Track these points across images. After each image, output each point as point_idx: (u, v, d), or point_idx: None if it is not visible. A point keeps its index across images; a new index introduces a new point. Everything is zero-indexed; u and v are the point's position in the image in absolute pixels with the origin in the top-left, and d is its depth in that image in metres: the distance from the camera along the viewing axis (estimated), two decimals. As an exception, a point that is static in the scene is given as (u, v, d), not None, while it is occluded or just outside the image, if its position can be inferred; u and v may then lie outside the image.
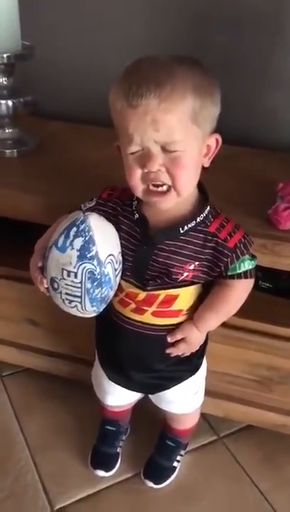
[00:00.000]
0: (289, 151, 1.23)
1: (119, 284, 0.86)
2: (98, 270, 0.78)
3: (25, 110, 1.17)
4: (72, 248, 0.77)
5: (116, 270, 0.82)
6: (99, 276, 0.79)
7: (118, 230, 0.83)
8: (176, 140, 0.70)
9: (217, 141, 0.76)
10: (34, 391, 1.33)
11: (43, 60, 1.21)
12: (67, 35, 1.32)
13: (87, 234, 0.77)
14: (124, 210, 0.83)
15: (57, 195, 1.03)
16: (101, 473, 1.13)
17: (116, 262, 0.81)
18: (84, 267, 0.78)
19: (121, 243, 0.83)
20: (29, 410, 1.29)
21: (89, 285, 0.79)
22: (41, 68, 1.27)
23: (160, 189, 0.74)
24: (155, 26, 1.24)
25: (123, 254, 0.83)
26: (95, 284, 0.79)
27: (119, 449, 1.17)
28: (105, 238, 0.79)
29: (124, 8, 1.24)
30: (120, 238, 0.83)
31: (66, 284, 0.80)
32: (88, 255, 0.77)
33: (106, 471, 1.13)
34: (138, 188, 0.75)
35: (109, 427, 1.16)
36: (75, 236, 0.77)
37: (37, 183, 1.07)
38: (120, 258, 0.82)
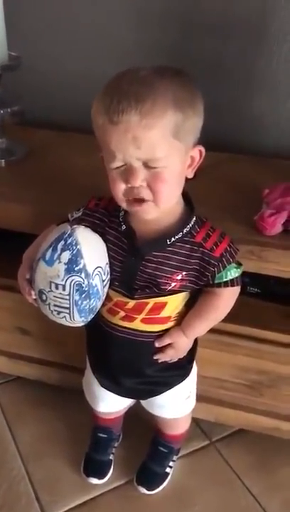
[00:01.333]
0: (275, 156, 1.24)
1: (107, 294, 0.86)
2: (86, 282, 0.79)
3: (13, 120, 1.18)
4: (60, 262, 0.78)
5: (104, 281, 0.82)
6: (87, 289, 0.79)
7: (105, 241, 0.83)
8: (158, 157, 0.70)
9: (200, 152, 0.76)
10: (26, 399, 1.32)
11: (30, 70, 1.22)
12: (54, 45, 1.33)
13: (74, 247, 0.78)
14: (111, 221, 0.84)
15: (46, 204, 1.04)
16: (94, 480, 1.13)
17: (104, 273, 0.82)
18: (72, 280, 0.78)
19: (109, 254, 0.83)
20: (21, 419, 1.28)
21: (77, 297, 0.80)
22: (28, 77, 1.27)
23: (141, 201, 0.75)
24: (142, 34, 1.25)
25: (111, 264, 0.83)
26: (83, 296, 0.80)
27: (111, 456, 1.17)
28: (93, 250, 0.80)
29: (110, 17, 1.25)
30: (108, 249, 0.83)
31: (54, 296, 0.80)
32: (76, 268, 0.78)
33: (99, 478, 1.13)
34: (123, 201, 0.76)
35: (101, 435, 1.16)
36: (63, 249, 0.78)
37: (25, 192, 1.07)
38: (108, 269, 0.83)
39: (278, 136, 1.27)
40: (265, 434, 1.16)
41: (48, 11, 1.29)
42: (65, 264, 0.78)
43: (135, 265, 0.81)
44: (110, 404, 1.06)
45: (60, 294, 0.80)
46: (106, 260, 0.83)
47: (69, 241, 0.78)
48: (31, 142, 1.26)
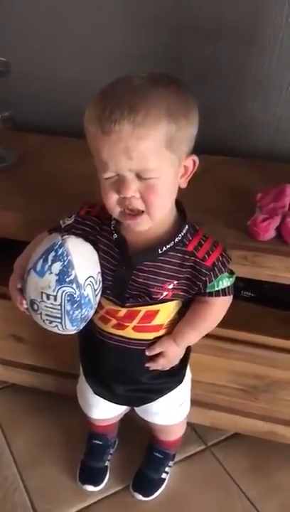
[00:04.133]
0: (267, 159, 1.24)
1: (99, 302, 0.86)
2: (77, 293, 0.78)
3: (3, 126, 1.17)
4: (51, 273, 0.77)
5: (95, 290, 0.82)
6: (78, 299, 0.79)
7: (97, 249, 0.83)
8: (150, 168, 0.69)
9: (194, 162, 0.76)
10: (20, 406, 1.32)
11: (20, 75, 1.21)
12: (44, 50, 1.32)
13: (65, 258, 0.77)
14: (103, 229, 0.83)
15: (38, 210, 1.03)
16: (89, 488, 1.12)
17: (96, 283, 0.81)
18: (64, 291, 0.78)
19: (101, 263, 0.83)
20: (15, 426, 1.28)
21: (68, 307, 0.79)
22: (19, 82, 1.26)
23: (135, 213, 0.74)
24: (132, 39, 1.24)
25: (102, 273, 0.83)
26: (75, 306, 0.79)
27: (107, 463, 1.17)
28: (84, 261, 0.79)
29: (100, 22, 1.24)
30: (99, 258, 0.82)
31: (46, 306, 0.80)
32: (67, 279, 0.77)
33: (95, 485, 1.13)
34: (115, 210, 0.75)
35: (96, 441, 1.16)
36: (54, 261, 0.77)
37: (17, 199, 1.06)
38: (100, 278, 0.82)
39: (271, 138, 1.27)
40: (261, 438, 1.16)
41: (39, 16, 1.28)
42: (56, 275, 0.77)
43: (126, 274, 0.81)
44: (104, 411, 1.05)
45: (52, 304, 0.79)
46: (98, 269, 0.82)
47: (60, 252, 0.77)
48: (22, 147, 1.25)
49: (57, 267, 0.77)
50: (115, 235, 0.82)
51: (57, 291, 0.78)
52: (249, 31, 1.17)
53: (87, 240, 0.83)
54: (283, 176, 1.06)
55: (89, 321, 0.87)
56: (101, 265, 0.83)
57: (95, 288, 0.81)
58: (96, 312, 0.87)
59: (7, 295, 1.09)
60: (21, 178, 1.15)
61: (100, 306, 0.87)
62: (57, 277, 0.77)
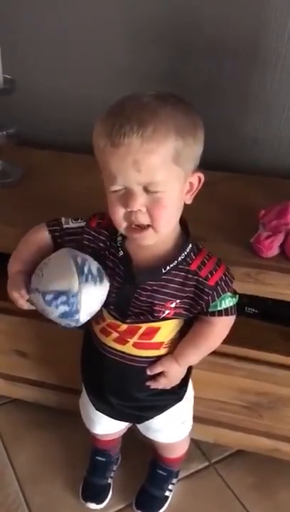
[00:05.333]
0: (270, 175, 1.24)
1: (101, 314, 0.86)
2: (74, 324, 0.80)
3: (8, 142, 1.18)
4: (57, 309, 0.77)
5: (92, 315, 0.83)
6: (75, 325, 0.80)
7: (105, 265, 0.82)
8: (158, 181, 0.70)
9: (199, 179, 0.76)
10: (23, 422, 1.31)
11: (25, 91, 1.22)
12: (49, 67, 1.33)
13: (73, 307, 0.77)
14: (111, 246, 0.83)
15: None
16: (92, 505, 1.12)
17: (97, 312, 0.82)
18: (64, 321, 0.79)
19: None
20: (18, 442, 1.27)
21: (68, 327, 0.81)
22: (24, 99, 1.28)
23: (141, 227, 0.74)
24: (136, 54, 1.25)
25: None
26: (70, 327, 0.81)
27: (110, 480, 1.16)
28: (93, 305, 0.79)
29: (104, 37, 1.25)
30: (106, 274, 0.82)
31: (46, 314, 0.81)
32: (69, 317, 0.78)
33: (98, 503, 1.12)
34: (122, 225, 0.75)
35: (99, 458, 1.15)
36: (62, 303, 0.77)
37: (21, 215, 1.06)
38: (102, 305, 0.82)
39: (273, 155, 1.27)
40: (265, 455, 1.15)
41: (43, 33, 1.30)
42: (61, 313, 0.78)
43: (130, 292, 0.81)
44: (106, 426, 1.05)
45: (54, 318, 0.80)
46: (105, 299, 0.82)
47: (71, 300, 0.76)
48: (27, 163, 1.26)
49: (63, 308, 0.77)
50: (121, 252, 0.82)
51: (58, 319, 0.79)
52: (252, 49, 1.18)
53: (93, 254, 0.82)
54: (286, 193, 1.06)
55: (92, 335, 0.89)
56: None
57: (95, 314, 0.82)
58: (98, 323, 0.88)
59: (10, 310, 1.10)
60: (26, 194, 1.15)
61: (102, 318, 0.87)
62: (60, 314, 0.78)
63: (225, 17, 1.15)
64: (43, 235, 0.88)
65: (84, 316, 0.79)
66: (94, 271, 0.79)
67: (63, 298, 0.76)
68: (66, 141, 1.35)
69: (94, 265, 0.80)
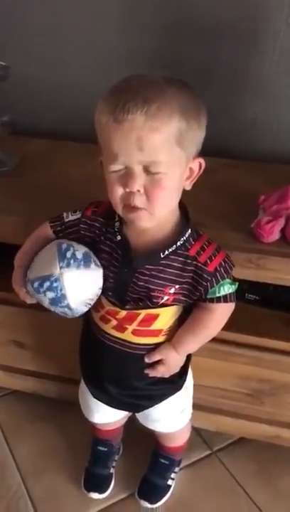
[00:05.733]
0: (269, 161, 1.23)
1: (100, 301, 0.86)
2: (70, 312, 0.82)
3: (3, 130, 1.16)
4: (45, 296, 0.80)
5: (90, 305, 0.84)
6: (72, 315, 0.82)
7: (101, 251, 0.82)
8: (160, 161, 0.69)
9: (200, 164, 0.75)
10: (23, 413, 1.30)
11: (20, 78, 1.20)
12: (44, 54, 1.31)
13: (59, 292, 0.79)
14: (107, 231, 0.83)
15: (38, 215, 1.00)
16: (95, 495, 1.11)
17: (93, 299, 0.83)
18: (56, 309, 0.82)
19: (103, 264, 0.82)
20: (19, 433, 1.26)
21: (62, 316, 0.83)
22: (18, 86, 1.26)
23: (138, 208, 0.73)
24: (131, 40, 1.24)
25: (105, 274, 0.82)
26: (68, 316, 0.83)
27: (112, 470, 1.16)
28: (81, 291, 0.80)
29: (100, 26, 1.24)
30: (102, 259, 0.82)
31: (43, 304, 0.83)
32: (59, 305, 0.80)
33: (100, 493, 1.11)
34: (119, 206, 0.74)
35: (100, 448, 1.15)
36: (48, 289, 0.79)
37: (16, 204, 1.05)
38: (98, 293, 0.83)
39: (273, 140, 1.26)
40: (267, 442, 1.14)
41: (38, 20, 1.27)
42: (49, 299, 0.80)
43: (128, 277, 0.80)
44: (104, 415, 1.04)
45: (47, 307, 0.83)
46: (99, 286, 0.82)
47: (55, 285, 0.78)
48: (23, 152, 1.24)
49: (50, 295, 0.79)
50: (118, 237, 0.81)
51: (51, 307, 0.82)
52: (250, 32, 1.16)
53: (91, 243, 0.83)
54: (285, 178, 1.05)
55: (91, 324, 0.90)
56: (104, 266, 0.82)
57: (91, 303, 0.83)
58: (97, 311, 0.88)
59: (8, 301, 1.10)
60: (21, 183, 1.14)
61: (101, 305, 0.86)
62: (50, 301, 0.80)
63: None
64: (45, 231, 0.88)
65: (74, 302, 0.80)
66: (79, 256, 0.80)
67: (47, 283, 0.79)
68: (61, 129, 1.34)
69: (80, 250, 0.81)
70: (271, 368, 1.03)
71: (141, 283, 0.79)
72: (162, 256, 0.78)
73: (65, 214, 0.87)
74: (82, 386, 1.02)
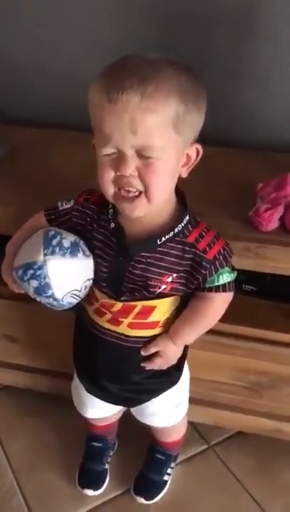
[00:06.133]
0: (266, 148, 1.21)
1: (94, 294, 0.83)
2: (57, 303, 0.79)
3: (-8, 117, 1.13)
4: (29, 285, 0.77)
5: (79, 297, 0.81)
6: (57, 306, 0.80)
7: (93, 239, 0.80)
8: (154, 145, 0.66)
9: (197, 151, 0.72)
10: (15, 409, 1.28)
11: (7, 65, 1.17)
12: (34, 40, 1.27)
13: (42, 280, 0.76)
14: (100, 218, 0.80)
15: (28, 205, 0.97)
16: (89, 492, 1.09)
17: (80, 291, 0.80)
18: (42, 299, 0.79)
19: (97, 253, 0.79)
20: (10, 430, 1.24)
21: (48, 306, 0.81)
22: (6, 73, 1.22)
23: (131, 194, 0.70)
24: (124, 26, 1.20)
25: (97, 264, 0.80)
26: (55, 308, 0.81)
27: (106, 466, 1.13)
28: (66, 279, 0.78)
29: (91, 10, 1.20)
30: (95, 248, 0.79)
31: (28, 293, 0.81)
32: (44, 295, 0.78)
33: (95, 489, 1.09)
34: (109, 190, 0.71)
35: (95, 444, 1.12)
36: (31, 277, 0.77)
37: (7, 193, 1.03)
38: (86, 284, 0.80)
39: (270, 128, 1.24)
40: (265, 436, 1.12)
41: (30, 6, 1.23)
42: (33, 288, 0.77)
43: (123, 266, 0.77)
44: (99, 410, 1.01)
45: (32, 296, 0.80)
46: (87, 278, 0.80)
47: (38, 273, 0.76)
48: (12, 140, 1.21)
49: (34, 283, 0.77)
50: (112, 224, 0.78)
51: (36, 297, 0.79)
52: (246, 18, 1.13)
53: (83, 231, 0.80)
54: (282, 166, 1.03)
55: (84, 317, 0.87)
56: (97, 256, 0.80)
57: (79, 295, 0.81)
58: (91, 304, 0.85)
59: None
60: (12, 172, 1.11)
61: (95, 298, 0.84)
62: (34, 290, 0.77)
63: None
64: (39, 220, 0.86)
65: (59, 292, 0.77)
66: (66, 244, 0.77)
67: (31, 271, 0.76)
68: (52, 117, 1.30)
69: (68, 239, 0.78)
70: (269, 360, 1.01)
71: (138, 271, 0.77)
72: (159, 243, 0.75)
73: (59, 203, 0.85)
74: (76, 381, 1.00)
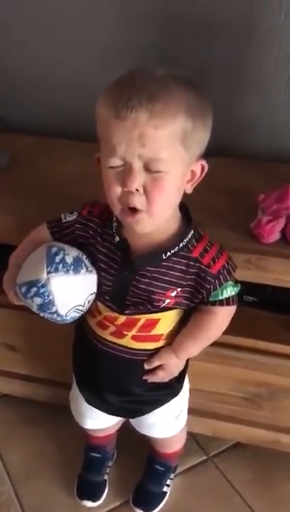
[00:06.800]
0: (267, 159, 1.21)
1: (97, 307, 0.83)
2: (60, 319, 0.79)
3: (-6, 126, 1.13)
4: (33, 302, 0.77)
5: (82, 311, 0.81)
6: (61, 321, 0.79)
7: (97, 252, 0.79)
8: (162, 158, 0.66)
9: (202, 167, 0.72)
10: (13, 418, 1.27)
11: (10, 73, 1.17)
12: (35, 48, 1.27)
13: (46, 297, 0.76)
14: (104, 232, 0.80)
15: (29, 214, 0.98)
16: (88, 503, 1.08)
17: (84, 306, 0.80)
18: (45, 315, 0.79)
19: (100, 267, 0.79)
20: (9, 439, 1.23)
21: (52, 320, 0.80)
22: (9, 82, 1.22)
23: (133, 211, 0.70)
24: (125, 35, 1.21)
25: (101, 278, 0.79)
26: (58, 322, 0.80)
27: (105, 476, 1.13)
28: (70, 296, 0.78)
29: (93, 18, 1.20)
30: (99, 261, 0.79)
31: (32, 309, 0.80)
32: (48, 311, 0.77)
33: (94, 500, 1.09)
34: (117, 207, 0.71)
35: (94, 454, 1.12)
36: (35, 295, 0.76)
37: (7, 202, 1.03)
38: (89, 299, 0.80)
39: (270, 138, 1.24)
40: (264, 447, 1.12)
41: (32, 15, 1.24)
42: (37, 305, 0.77)
43: (127, 280, 0.77)
44: (98, 421, 1.01)
45: (36, 312, 0.80)
46: (91, 292, 0.80)
47: (41, 290, 0.75)
48: (14, 149, 1.21)
49: (37, 300, 0.76)
50: (117, 238, 0.78)
51: (39, 313, 0.79)
52: (247, 28, 1.13)
53: (86, 244, 0.80)
54: (283, 177, 1.03)
55: (86, 329, 0.86)
56: (101, 269, 0.79)
57: (82, 310, 0.80)
58: (94, 317, 0.85)
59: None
60: (12, 181, 1.11)
61: (98, 311, 0.83)
62: (38, 307, 0.77)
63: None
64: (42, 233, 0.86)
65: (63, 309, 0.77)
66: (69, 260, 0.77)
67: (34, 289, 0.76)
68: (54, 125, 1.30)
69: (71, 254, 0.78)
70: (269, 372, 1.01)
71: (142, 286, 0.77)
72: (164, 257, 0.75)
73: (62, 215, 0.84)
74: (74, 392, 0.99)
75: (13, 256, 0.87)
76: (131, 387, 0.88)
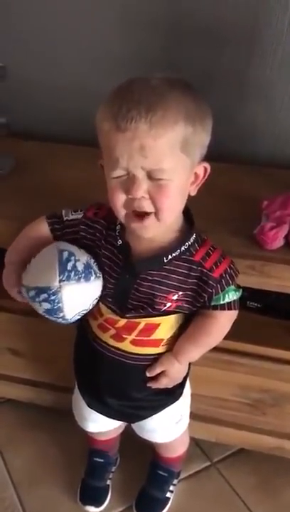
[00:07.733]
0: (270, 165, 1.21)
1: (99, 309, 0.83)
2: (64, 321, 0.79)
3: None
4: (40, 306, 0.77)
5: (85, 314, 0.81)
6: (64, 323, 0.79)
7: (101, 255, 0.80)
8: (164, 168, 0.66)
9: (205, 169, 0.73)
10: (17, 423, 1.27)
11: (16, 80, 1.17)
12: (41, 54, 1.28)
13: (55, 304, 0.76)
14: (108, 234, 0.80)
15: (33, 219, 0.98)
16: (91, 508, 1.08)
17: (88, 309, 0.80)
18: (50, 318, 0.79)
19: (103, 269, 0.80)
20: (13, 443, 1.23)
21: (54, 321, 0.80)
22: (15, 88, 1.23)
23: (142, 214, 0.70)
24: (130, 41, 1.21)
25: (104, 280, 0.80)
26: (60, 324, 0.80)
27: (108, 482, 1.13)
28: (79, 303, 0.78)
29: (98, 25, 1.21)
30: (102, 264, 0.79)
31: (36, 310, 0.80)
32: (54, 316, 0.77)
33: (97, 506, 1.09)
34: (121, 212, 0.72)
35: (97, 459, 1.12)
36: (44, 300, 0.76)
37: (12, 207, 1.03)
38: (94, 302, 0.80)
39: (273, 144, 1.24)
40: (268, 454, 1.12)
41: (36, 21, 1.25)
42: (44, 309, 0.77)
43: (129, 283, 0.78)
44: (99, 424, 1.01)
45: (41, 314, 0.80)
46: (96, 296, 0.80)
47: (52, 298, 0.75)
48: (18, 154, 1.22)
49: (46, 306, 0.76)
50: (120, 241, 0.78)
51: (44, 316, 0.79)
52: (251, 36, 1.14)
53: (92, 246, 0.80)
54: (287, 183, 1.04)
55: (87, 331, 0.87)
56: (104, 272, 0.80)
57: (86, 312, 0.81)
58: (95, 319, 0.85)
59: (2, 308, 1.06)
60: (17, 186, 1.11)
61: (100, 313, 0.84)
62: (45, 311, 0.77)
63: (223, 0, 1.11)
64: (41, 228, 0.85)
65: (70, 314, 0.77)
66: (80, 267, 0.76)
67: (44, 295, 0.76)
68: (58, 131, 1.31)
69: (81, 261, 0.77)
70: (272, 378, 1.01)
71: (143, 289, 0.77)
72: (165, 261, 0.76)
73: (64, 211, 0.84)
74: (76, 395, 0.99)
75: (12, 253, 0.86)
76: (131, 392, 0.88)
